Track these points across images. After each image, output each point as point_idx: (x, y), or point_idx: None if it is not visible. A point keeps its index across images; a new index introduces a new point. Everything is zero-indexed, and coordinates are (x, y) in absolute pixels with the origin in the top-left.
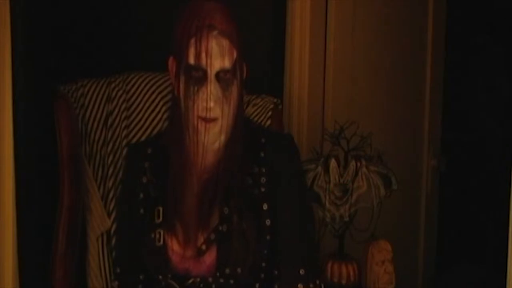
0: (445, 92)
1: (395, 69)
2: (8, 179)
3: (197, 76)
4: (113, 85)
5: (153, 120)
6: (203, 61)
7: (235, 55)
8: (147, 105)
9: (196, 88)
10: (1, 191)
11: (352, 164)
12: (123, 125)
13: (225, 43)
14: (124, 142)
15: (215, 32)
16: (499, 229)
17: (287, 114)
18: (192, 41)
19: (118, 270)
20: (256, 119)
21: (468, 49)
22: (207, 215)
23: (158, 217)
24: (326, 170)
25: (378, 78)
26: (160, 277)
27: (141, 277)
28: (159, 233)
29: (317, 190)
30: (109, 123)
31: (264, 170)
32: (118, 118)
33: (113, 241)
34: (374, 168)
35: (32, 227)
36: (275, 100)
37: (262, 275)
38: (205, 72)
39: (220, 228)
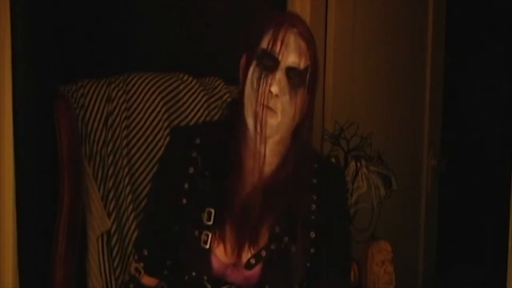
0: (445, 92)
1: (395, 69)
2: (8, 179)
3: (269, 65)
4: (113, 85)
5: (153, 120)
6: (277, 49)
7: (309, 62)
8: (147, 105)
9: (264, 74)
10: (1, 191)
11: (352, 164)
12: (123, 125)
13: (302, 44)
14: (124, 142)
15: (294, 30)
16: (499, 229)
17: None
18: (271, 30)
19: (146, 252)
20: None
21: (468, 49)
22: (257, 229)
23: (209, 219)
24: None
25: (378, 78)
26: (194, 274)
27: (168, 263)
28: (207, 236)
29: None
30: (109, 123)
31: (315, 198)
32: (118, 118)
33: (114, 240)
34: (374, 169)
35: (32, 227)
36: None
37: None
38: (277, 62)
39: (271, 247)
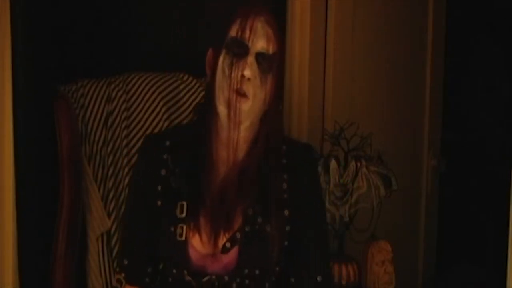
0: (445, 92)
1: (395, 69)
2: (8, 179)
3: (239, 52)
4: (113, 85)
5: (153, 120)
6: (246, 36)
7: (276, 48)
8: (147, 105)
9: (235, 60)
10: (1, 191)
11: (352, 164)
12: (123, 125)
13: (269, 31)
14: (124, 142)
15: (261, 18)
16: (499, 229)
17: (287, 115)
18: (238, 19)
19: (126, 262)
20: None
21: (468, 49)
22: (230, 214)
23: (182, 212)
24: (326, 170)
25: (378, 78)
26: (175, 271)
27: (149, 270)
28: (182, 228)
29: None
30: (109, 123)
31: (286, 177)
32: (118, 118)
33: (114, 240)
34: (374, 169)
35: (32, 227)
36: None
37: (273, 278)
38: (247, 48)
39: (246, 228)
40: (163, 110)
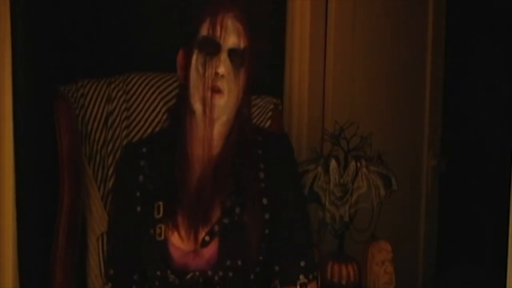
0: (445, 92)
1: (395, 69)
2: (8, 179)
3: (211, 50)
4: (113, 85)
5: (153, 120)
6: (218, 34)
7: (246, 42)
8: (147, 105)
9: (208, 58)
10: (1, 191)
11: (352, 164)
12: (123, 125)
13: (239, 27)
14: (124, 142)
15: (230, 14)
16: (499, 229)
17: (287, 115)
18: (208, 18)
19: (112, 272)
20: (256, 119)
21: (468, 49)
22: (209, 207)
23: (158, 212)
24: (326, 170)
25: (378, 78)
26: (159, 272)
27: (135, 277)
28: (160, 228)
29: (317, 190)
30: (109, 123)
31: (262, 166)
32: (118, 118)
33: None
34: (374, 169)
35: (32, 227)
36: (275, 101)
37: (258, 268)
38: (219, 46)
39: (224, 220)
40: (163, 110)
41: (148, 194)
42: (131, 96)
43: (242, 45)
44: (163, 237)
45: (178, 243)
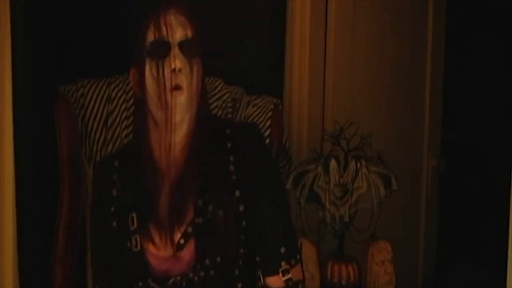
0: (445, 92)
1: (395, 69)
2: (8, 179)
3: (161, 51)
4: (113, 85)
5: None
6: (165, 32)
7: (193, 31)
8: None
9: (161, 60)
10: (1, 191)
11: (352, 164)
12: (123, 126)
13: (182, 19)
14: (125, 142)
15: (171, 11)
16: (499, 229)
17: (287, 115)
18: (151, 23)
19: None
20: (256, 119)
21: (468, 49)
22: (181, 210)
23: (133, 224)
24: (326, 170)
25: (378, 78)
26: (141, 283)
27: None
28: (136, 239)
29: (317, 190)
30: (109, 123)
31: (232, 159)
32: (118, 118)
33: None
34: (374, 169)
35: (32, 227)
36: (275, 101)
37: (241, 262)
38: (168, 44)
39: (196, 220)
40: None
41: (122, 208)
42: (131, 96)
43: (189, 35)
44: (139, 247)
45: (155, 251)
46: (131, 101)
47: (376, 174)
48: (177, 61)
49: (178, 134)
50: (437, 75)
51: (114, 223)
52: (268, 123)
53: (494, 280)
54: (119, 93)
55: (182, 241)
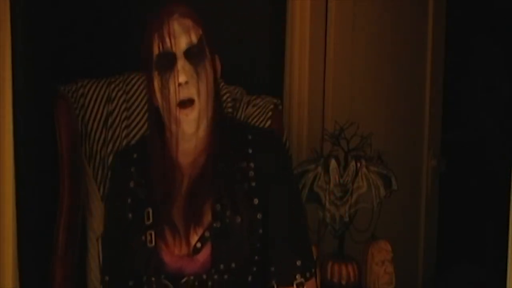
0: (445, 92)
1: (395, 69)
2: (8, 179)
3: (167, 64)
4: (113, 85)
5: None
6: (168, 43)
7: (200, 32)
8: (147, 105)
9: (167, 74)
10: (1, 191)
11: (352, 164)
12: (123, 126)
13: (188, 22)
14: (124, 143)
15: (175, 16)
16: (499, 229)
17: (287, 114)
18: (155, 34)
19: (107, 278)
20: (256, 119)
21: (468, 49)
22: (199, 213)
23: (148, 219)
24: (326, 170)
25: (378, 78)
26: (153, 278)
27: (130, 283)
28: (150, 235)
29: (317, 190)
30: (109, 123)
31: (252, 165)
32: (118, 118)
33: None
34: (374, 169)
35: (32, 227)
36: (275, 101)
37: (254, 268)
38: (173, 55)
39: (214, 224)
40: None
41: (139, 201)
42: (131, 96)
43: (195, 40)
44: (153, 243)
45: (170, 249)
46: (131, 101)
47: (376, 174)
48: (181, 76)
49: (193, 141)
50: (437, 75)
51: (130, 215)
52: (268, 123)
53: (494, 280)
54: (119, 93)
55: (198, 245)
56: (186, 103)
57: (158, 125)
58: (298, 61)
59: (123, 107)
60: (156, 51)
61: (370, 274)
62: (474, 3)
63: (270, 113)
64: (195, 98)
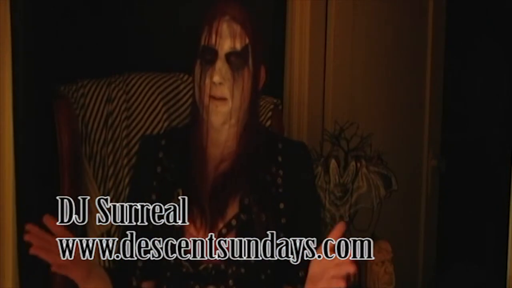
0: (445, 92)
1: (395, 69)
2: (8, 179)
3: (209, 58)
4: (113, 85)
5: (153, 120)
6: (213, 41)
7: (246, 41)
8: (147, 105)
9: (207, 67)
10: (1, 191)
11: (352, 164)
12: (123, 126)
13: (236, 27)
14: (125, 142)
15: (226, 17)
16: (499, 229)
17: (287, 114)
18: (206, 26)
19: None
20: None
21: (468, 49)
22: (225, 203)
23: (177, 199)
24: (326, 170)
25: (378, 78)
26: (174, 256)
27: (139, 264)
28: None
29: (317, 190)
30: (109, 123)
31: (281, 173)
32: (118, 118)
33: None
34: (374, 169)
35: None
36: (275, 101)
37: (269, 271)
38: (215, 53)
39: (241, 216)
40: (163, 110)
41: (165, 184)
42: (131, 96)
43: (239, 47)
44: (179, 222)
45: (194, 232)
46: (131, 101)
47: (376, 174)
48: (217, 75)
49: (224, 134)
50: (437, 75)
51: (154, 196)
52: (268, 123)
53: (494, 280)
54: (119, 93)
55: (224, 231)
56: (219, 98)
57: (195, 112)
58: (298, 61)
59: (123, 107)
60: (202, 41)
61: (370, 274)
62: (474, 3)
63: (270, 113)
64: (228, 97)
